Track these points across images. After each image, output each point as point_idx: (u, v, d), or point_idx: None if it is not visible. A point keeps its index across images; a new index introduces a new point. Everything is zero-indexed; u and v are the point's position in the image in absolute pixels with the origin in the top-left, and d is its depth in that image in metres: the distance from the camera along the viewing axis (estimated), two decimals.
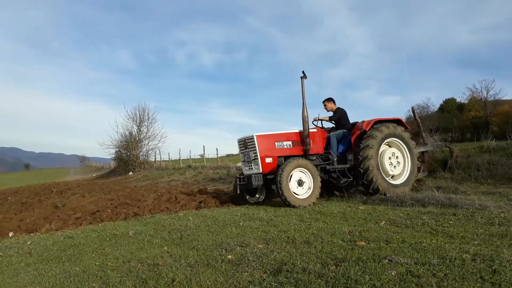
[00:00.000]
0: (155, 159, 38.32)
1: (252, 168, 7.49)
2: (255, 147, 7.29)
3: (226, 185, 12.51)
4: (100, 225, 6.31)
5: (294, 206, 6.61)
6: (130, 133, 40.49)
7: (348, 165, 7.74)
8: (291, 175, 6.89)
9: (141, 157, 38.86)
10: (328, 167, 7.67)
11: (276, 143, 7.41)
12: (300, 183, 6.99)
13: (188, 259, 3.54)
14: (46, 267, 3.76)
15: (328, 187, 8.40)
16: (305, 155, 7.57)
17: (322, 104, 8.56)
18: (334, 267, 2.97)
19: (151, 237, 4.77)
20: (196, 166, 26.21)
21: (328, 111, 8.57)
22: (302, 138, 7.57)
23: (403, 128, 7.99)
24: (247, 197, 8.07)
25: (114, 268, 3.47)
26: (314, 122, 8.15)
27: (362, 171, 7.33)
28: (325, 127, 8.49)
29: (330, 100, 8.54)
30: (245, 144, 7.67)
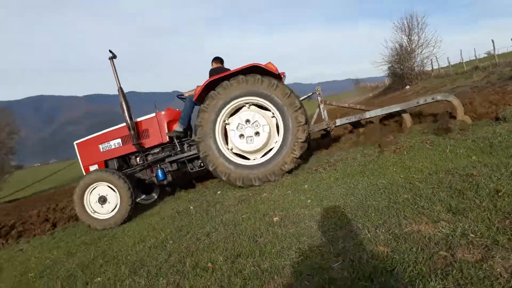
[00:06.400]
0: (432, 67, 35.64)
1: None
2: (78, 157, 6.54)
3: None
4: None
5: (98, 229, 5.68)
6: (400, 45, 38.91)
7: (196, 153, 6.02)
8: (90, 193, 5.84)
9: (416, 68, 37.04)
10: (170, 158, 6.27)
11: (100, 146, 6.43)
12: (103, 200, 5.79)
13: (510, 168, 2.99)
14: (353, 180, 4.04)
15: None
16: (141, 150, 6.35)
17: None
18: None
19: (453, 147, 4.34)
20: (485, 66, 22.84)
21: None
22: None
23: (258, 78, 5.43)
24: (143, 196, 7.31)
25: (421, 180, 3.35)
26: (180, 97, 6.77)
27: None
28: None
29: (214, 60, 6.62)
30: None
